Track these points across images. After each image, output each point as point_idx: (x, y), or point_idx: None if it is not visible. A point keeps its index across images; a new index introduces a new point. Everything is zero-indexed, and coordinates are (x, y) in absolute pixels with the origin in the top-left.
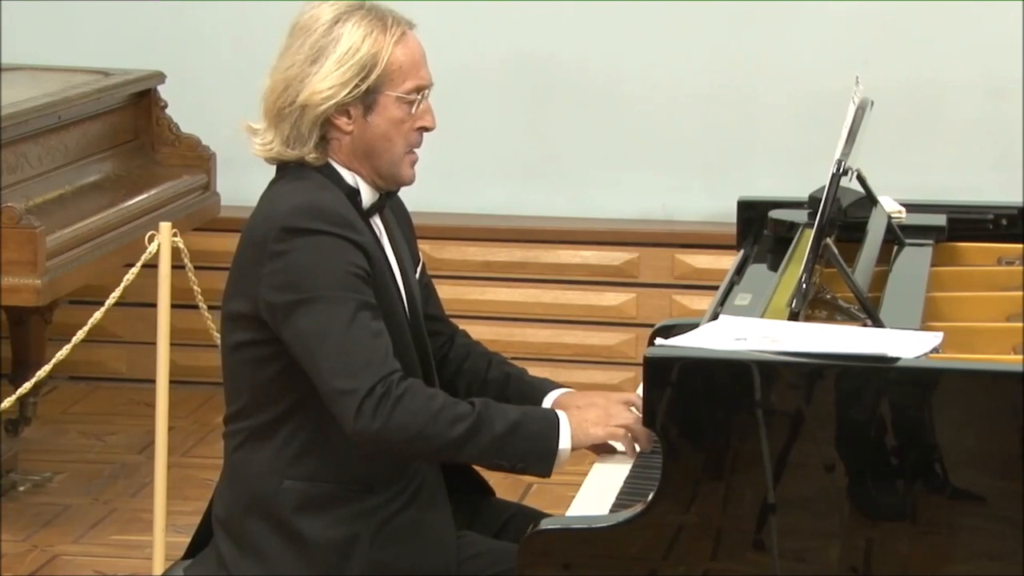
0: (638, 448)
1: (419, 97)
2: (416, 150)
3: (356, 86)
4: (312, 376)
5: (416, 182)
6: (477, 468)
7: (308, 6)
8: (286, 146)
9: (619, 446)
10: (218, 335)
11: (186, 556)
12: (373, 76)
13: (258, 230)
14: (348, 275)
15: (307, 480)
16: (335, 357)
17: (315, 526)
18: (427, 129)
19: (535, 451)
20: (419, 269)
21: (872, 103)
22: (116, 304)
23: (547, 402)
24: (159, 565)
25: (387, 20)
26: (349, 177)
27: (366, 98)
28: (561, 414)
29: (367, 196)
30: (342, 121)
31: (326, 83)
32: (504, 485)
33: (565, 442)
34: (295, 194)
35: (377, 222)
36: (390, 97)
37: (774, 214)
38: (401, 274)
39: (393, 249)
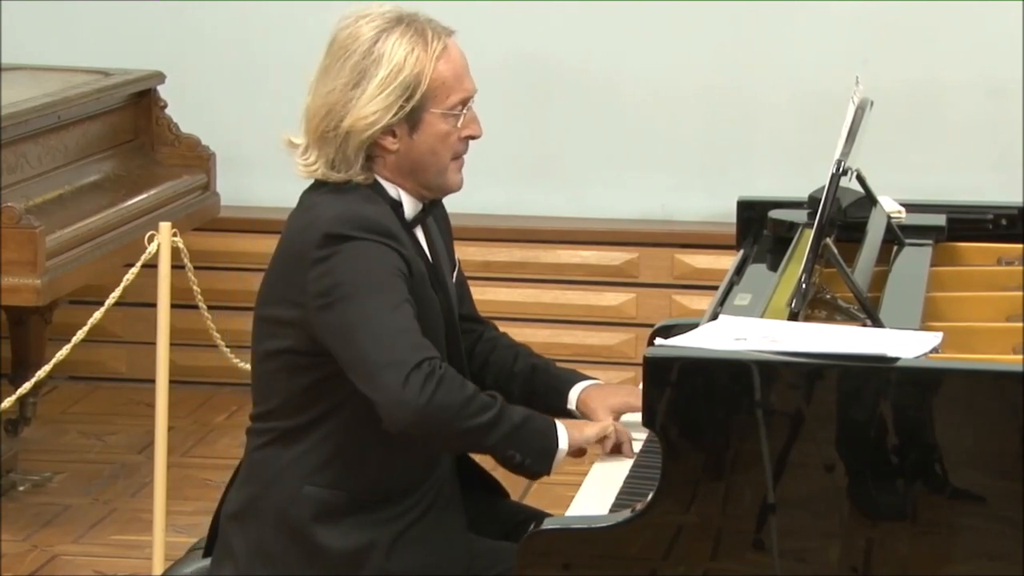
0: (624, 450)
1: (464, 110)
2: (463, 157)
3: (400, 107)
4: (352, 359)
5: None
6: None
7: (346, 18)
8: (331, 168)
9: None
10: (218, 335)
11: (205, 553)
12: (417, 96)
13: (299, 238)
14: (390, 275)
15: (328, 487)
16: (379, 339)
17: (331, 534)
18: (473, 137)
19: (539, 449)
20: (455, 272)
21: (872, 103)
22: (116, 304)
23: (573, 394)
24: (159, 565)
25: (427, 35)
26: (392, 190)
27: (411, 117)
28: (556, 421)
29: (409, 208)
30: (387, 141)
31: (370, 108)
32: (503, 484)
33: (563, 443)
34: (337, 204)
35: (419, 232)
36: (435, 114)
37: (774, 214)
38: (440, 283)
39: (433, 258)
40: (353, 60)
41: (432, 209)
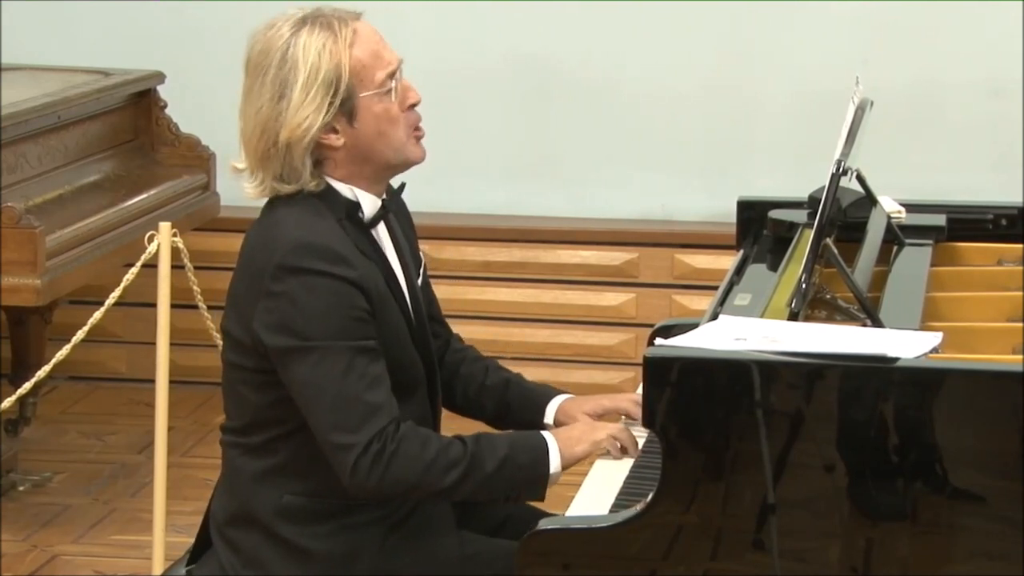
0: (628, 453)
1: (394, 83)
2: (420, 125)
3: (330, 104)
4: (308, 421)
5: (416, 182)
6: None
7: (255, 35)
8: (282, 182)
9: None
10: (218, 335)
11: (191, 560)
12: (343, 88)
13: (256, 262)
14: (345, 319)
15: (309, 496)
16: (330, 411)
17: (318, 539)
18: (415, 104)
19: (526, 480)
20: (421, 269)
21: (872, 103)
22: (116, 304)
23: (550, 410)
24: (159, 565)
25: (334, 25)
26: (347, 191)
27: (344, 109)
28: (549, 437)
29: (368, 206)
30: (331, 139)
31: (300, 115)
32: None
33: (555, 466)
34: (293, 226)
35: (380, 230)
36: (367, 97)
37: (774, 214)
38: (405, 281)
39: (398, 255)
40: (271, 74)
41: (392, 205)
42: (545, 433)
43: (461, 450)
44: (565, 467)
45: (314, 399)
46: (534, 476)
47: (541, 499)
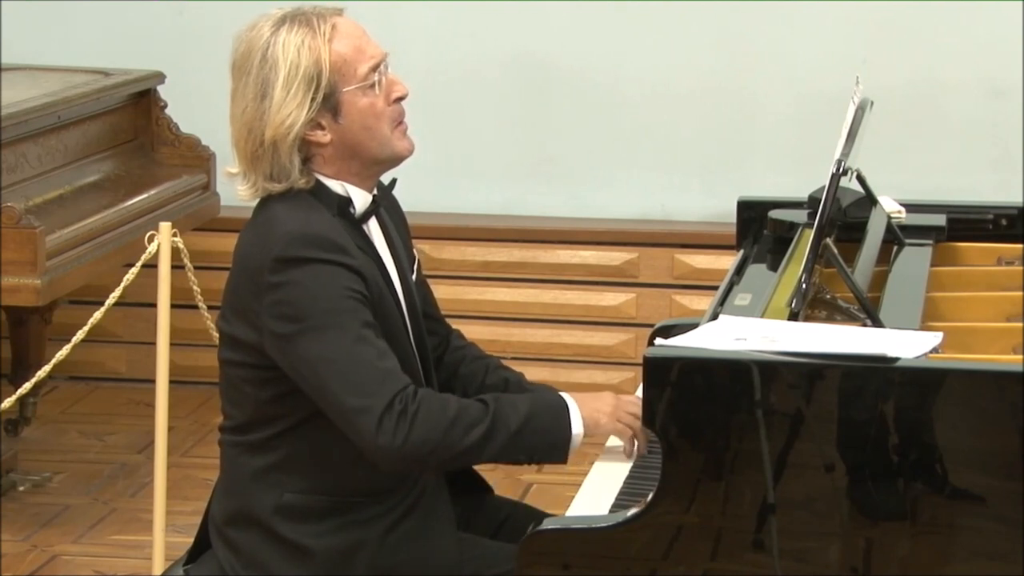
0: (636, 451)
1: (378, 76)
2: (404, 120)
3: (313, 99)
4: (322, 401)
5: (415, 182)
6: (475, 467)
7: (237, 38)
8: (273, 181)
9: (619, 442)
10: (218, 335)
11: (188, 560)
12: (324, 83)
13: (253, 259)
14: (346, 299)
15: (309, 493)
16: (346, 378)
17: (317, 537)
18: (402, 98)
19: (549, 442)
20: (415, 265)
21: (872, 103)
22: (116, 304)
23: None
24: (159, 565)
25: (314, 22)
26: (338, 187)
27: (328, 104)
28: (569, 399)
29: (360, 202)
30: (317, 135)
31: (284, 112)
32: (504, 484)
33: (577, 427)
34: (287, 220)
35: (372, 226)
36: (350, 91)
37: (774, 214)
38: (399, 277)
39: (391, 251)
40: (253, 74)
41: (383, 200)
42: (564, 395)
43: (482, 409)
44: (588, 434)
45: (327, 370)
46: (557, 439)
47: (563, 462)
